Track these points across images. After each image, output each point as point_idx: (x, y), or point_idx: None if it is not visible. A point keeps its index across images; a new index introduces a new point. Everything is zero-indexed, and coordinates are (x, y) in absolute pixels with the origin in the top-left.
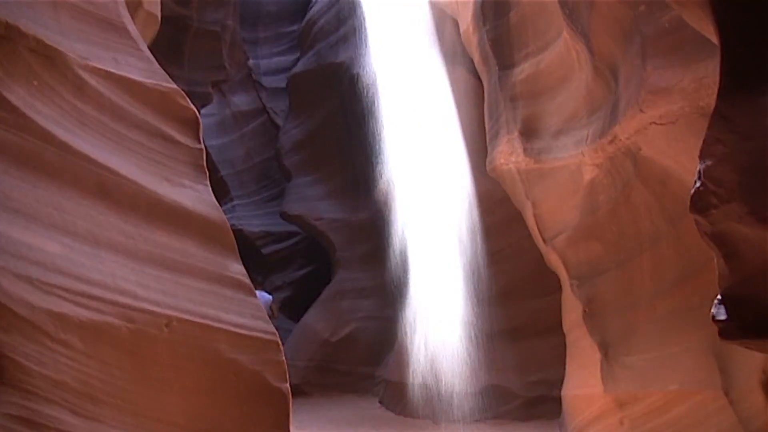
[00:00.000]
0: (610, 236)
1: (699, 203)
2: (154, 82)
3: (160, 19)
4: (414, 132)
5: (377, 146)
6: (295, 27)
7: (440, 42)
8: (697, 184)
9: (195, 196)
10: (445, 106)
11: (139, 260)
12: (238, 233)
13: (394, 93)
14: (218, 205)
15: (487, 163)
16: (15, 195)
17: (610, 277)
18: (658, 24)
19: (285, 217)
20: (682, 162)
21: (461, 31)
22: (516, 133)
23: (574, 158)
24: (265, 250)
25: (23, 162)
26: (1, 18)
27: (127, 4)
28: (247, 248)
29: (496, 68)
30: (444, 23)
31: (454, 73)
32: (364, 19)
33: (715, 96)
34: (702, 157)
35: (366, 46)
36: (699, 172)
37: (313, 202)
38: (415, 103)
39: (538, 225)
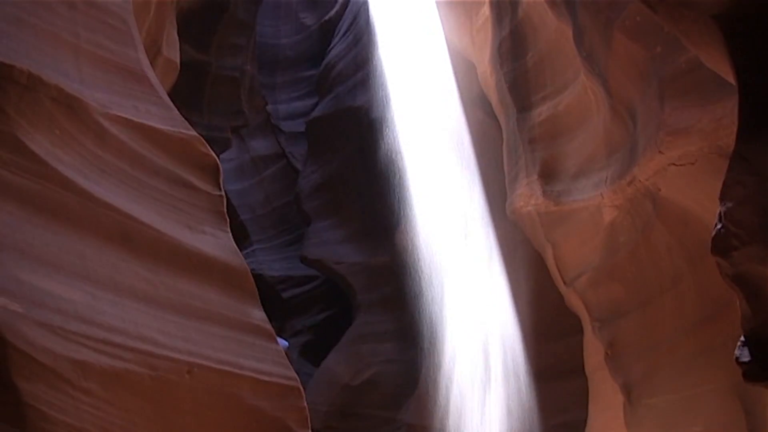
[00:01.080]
0: (631, 277)
1: (720, 245)
2: (175, 129)
3: (179, 65)
4: (432, 175)
5: (396, 190)
6: (313, 72)
7: (458, 85)
8: (718, 226)
9: (216, 242)
10: (464, 148)
11: (161, 307)
12: (258, 278)
13: (412, 136)
14: (239, 251)
15: (506, 205)
16: (37, 243)
17: (632, 318)
18: (675, 65)
19: (305, 261)
20: (702, 202)
21: (479, 74)
22: (535, 176)
23: (594, 200)
24: (285, 295)
25: (46, 210)
26: (24, 68)
27: (147, 51)
28: (267, 293)
29: (514, 111)
30: (462, 66)
31: (472, 115)
32: (381, 63)
33: (733, 136)
34: (722, 199)
35: (384, 90)
36: (720, 214)
37: (332, 246)
38: (433, 146)
39: (558, 267)
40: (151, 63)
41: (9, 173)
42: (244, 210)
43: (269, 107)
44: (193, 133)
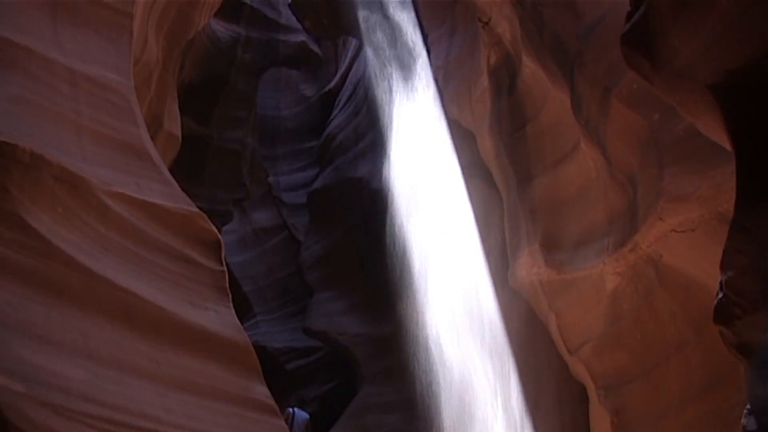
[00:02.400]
0: (635, 344)
1: (723, 314)
2: (176, 205)
3: (180, 139)
4: (434, 245)
5: (398, 260)
6: (313, 143)
7: (458, 155)
8: (720, 296)
9: (218, 318)
10: (465, 219)
11: (164, 384)
12: (261, 350)
13: (413, 206)
14: (241, 326)
15: (509, 275)
16: (39, 321)
17: (638, 385)
18: (673, 132)
19: (308, 332)
20: (704, 268)
21: (478, 144)
22: (537, 245)
23: (596, 268)
24: (289, 366)
25: (48, 288)
26: (27, 147)
27: (149, 126)
28: (270, 364)
29: (515, 180)
30: (461, 136)
31: (473, 185)
32: (382, 134)
33: (733, 201)
34: (723, 268)
35: (385, 161)
36: (721, 283)
37: (335, 317)
38: (434, 217)
39: (562, 336)
40: (152, 137)
41: (12, 252)
42: (247, 282)
43: (270, 179)
44: (195, 209)
